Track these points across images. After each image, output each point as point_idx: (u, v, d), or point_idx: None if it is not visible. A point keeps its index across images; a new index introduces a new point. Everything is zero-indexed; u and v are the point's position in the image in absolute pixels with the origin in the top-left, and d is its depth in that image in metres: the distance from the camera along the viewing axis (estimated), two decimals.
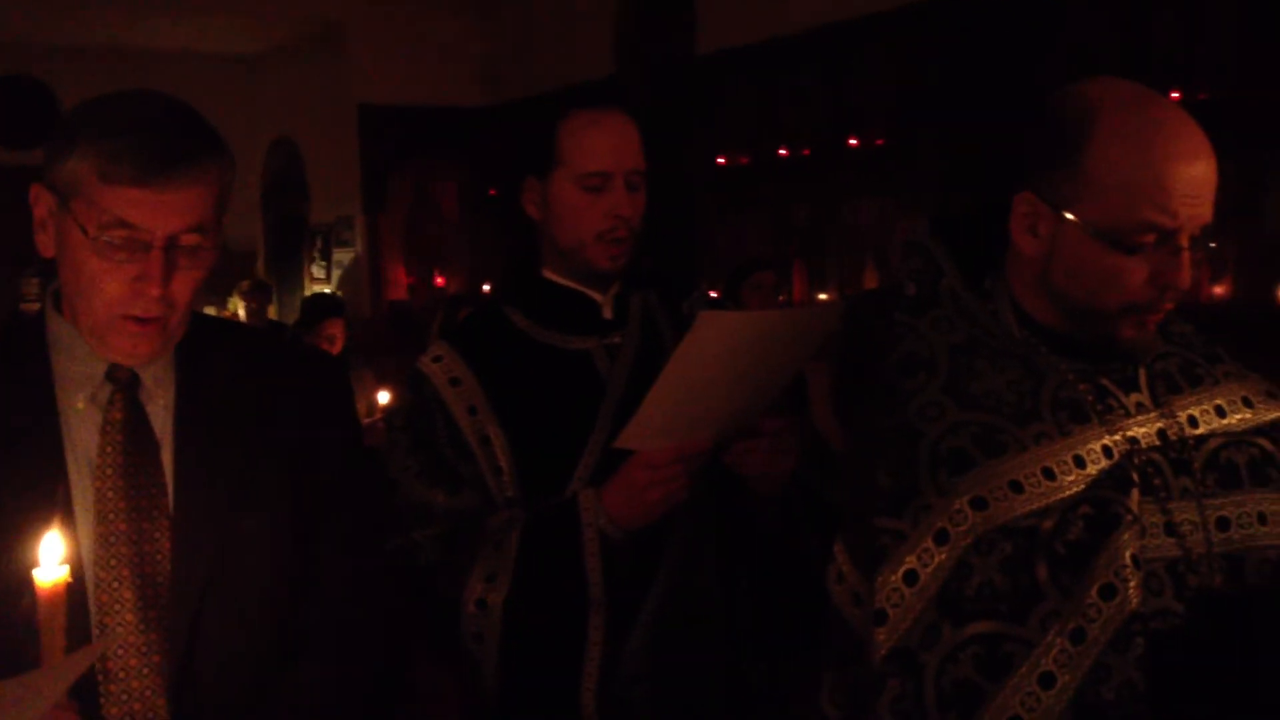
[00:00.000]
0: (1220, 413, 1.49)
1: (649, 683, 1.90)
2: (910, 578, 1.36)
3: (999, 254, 1.54)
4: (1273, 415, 1.50)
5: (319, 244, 9.63)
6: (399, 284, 9.22)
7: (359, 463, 1.69)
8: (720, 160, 6.93)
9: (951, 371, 1.45)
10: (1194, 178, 1.38)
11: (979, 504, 1.36)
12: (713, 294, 5.07)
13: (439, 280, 9.27)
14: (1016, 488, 1.37)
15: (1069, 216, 1.42)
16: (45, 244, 1.51)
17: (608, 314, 2.05)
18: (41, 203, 1.49)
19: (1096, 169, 1.39)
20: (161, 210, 1.43)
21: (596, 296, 2.05)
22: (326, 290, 9.00)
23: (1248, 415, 1.49)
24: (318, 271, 9.70)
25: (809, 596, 1.94)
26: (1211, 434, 1.47)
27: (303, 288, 9.74)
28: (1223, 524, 1.41)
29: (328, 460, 1.62)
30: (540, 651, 1.89)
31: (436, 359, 2.01)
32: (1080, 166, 1.40)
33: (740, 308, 4.83)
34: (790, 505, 1.96)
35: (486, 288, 8.19)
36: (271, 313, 7.92)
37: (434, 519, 1.94)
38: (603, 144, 1.98)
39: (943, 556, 1.35)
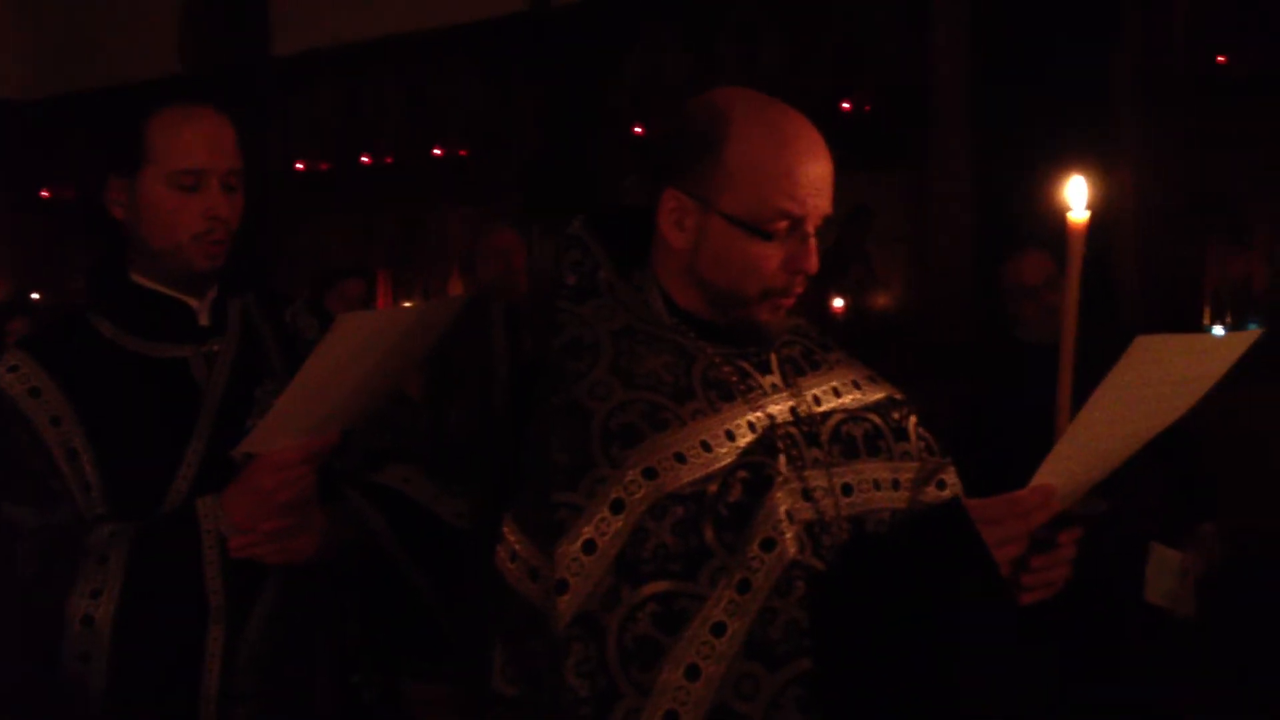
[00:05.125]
0: (836, 393, 1.67)
1: (260, 699, 1.88)
2: (589, 546, 1.43)
3: (645, 248, 1.65)
4: (877, 396, 1.71)
5: None
6: None
7: None
8: (300, 165, 6.80)
9: (615, 354, 1.55)
10: (818, 173, 1.56)
11: (650, 474, 1.46)
12: None
13: None
14: (680, 459, 1.48)
15: (713, 208, 1.55)
16: None
17: (204, 320, 1.99)
18: None
19: (736, 163, 1.54)
20: None
21: (192, 302, 1.98)
22: None
23: (858, 395, 1.69)
24: None
25: (425, 611, 2.00)
26: (834, 411, 1.64)
27: None
28: (847, 489, 1.58)
29: None
30: (154, 667, 1.83)
31: (12, 369, 1.89)
32: (721, 162, 1.55)
33: (327, 316, 4.77)
34: (405, 520, 1.99)
35: (36, 296, 7.60)
36: None
37: (24, 537, 1.82)
38: (196, 141, 1.91)
39: (619, 524, 1.44)
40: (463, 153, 6.20)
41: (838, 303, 5.28)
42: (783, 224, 1.55)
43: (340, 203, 6.71)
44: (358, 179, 6.60)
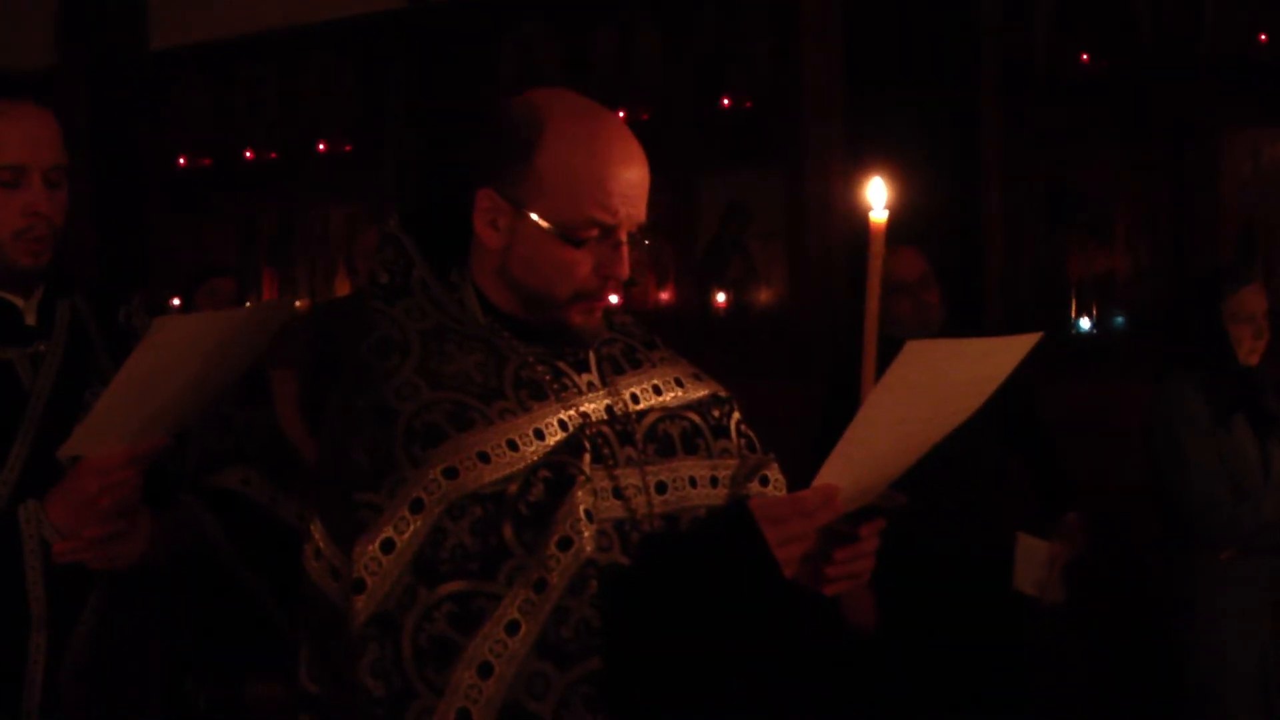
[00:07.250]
0: (657, 391, 1.68)
1: (87, 709, 1.85)
2: (387, 546, 1.43)
3: (463, 247, 1.65)
4: (699, 394, 1.72)
5: None
6: None
7: None
8: (181, 161, 6.67)
9: (424, 355, 1.54)
10: (631, 181, 1.56)
11: (451, 473, 1.45)
12: (176, 301, 4.88)
13: None
14: (484, 458, 1.48)
15: (525, 212, 1.55)
16: None
17: (31, 320, 1.95)
18: None
19: (548, 169, 1.54)
20: None
21: (18, 302, 1.94)
22: None
23: (679, 393, 1.70)
24: None
25: (262, 612, 1.98)
26: (651, 409, 1.65)
27: None
28: (661, 488, 1.60)
29: None
30: None
31: None
32: (534, 166, 1.55)
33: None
34: (242, 522, 1.98)
35: None
36: None
37: None
38: (15, 136, 1.88)
39: (418, 524, 1.43)
40: (347, 148, 6.14)
41: (720, 297, 5.33)
42: (594, 232, 1.55)
43: (223, 199, 6.60)
44: (240, 175, 6.50)
